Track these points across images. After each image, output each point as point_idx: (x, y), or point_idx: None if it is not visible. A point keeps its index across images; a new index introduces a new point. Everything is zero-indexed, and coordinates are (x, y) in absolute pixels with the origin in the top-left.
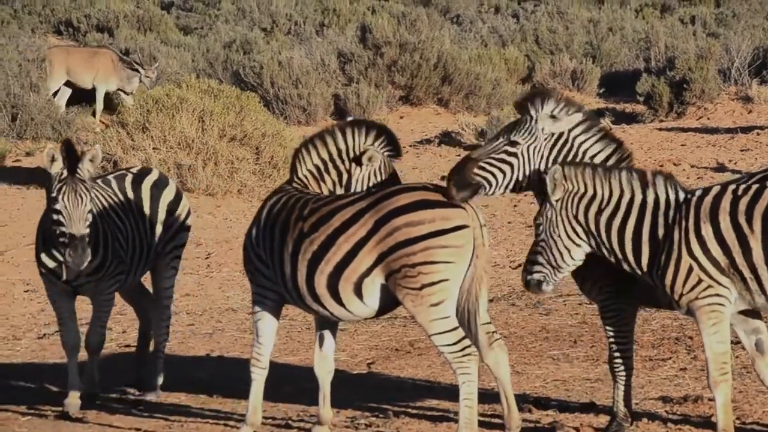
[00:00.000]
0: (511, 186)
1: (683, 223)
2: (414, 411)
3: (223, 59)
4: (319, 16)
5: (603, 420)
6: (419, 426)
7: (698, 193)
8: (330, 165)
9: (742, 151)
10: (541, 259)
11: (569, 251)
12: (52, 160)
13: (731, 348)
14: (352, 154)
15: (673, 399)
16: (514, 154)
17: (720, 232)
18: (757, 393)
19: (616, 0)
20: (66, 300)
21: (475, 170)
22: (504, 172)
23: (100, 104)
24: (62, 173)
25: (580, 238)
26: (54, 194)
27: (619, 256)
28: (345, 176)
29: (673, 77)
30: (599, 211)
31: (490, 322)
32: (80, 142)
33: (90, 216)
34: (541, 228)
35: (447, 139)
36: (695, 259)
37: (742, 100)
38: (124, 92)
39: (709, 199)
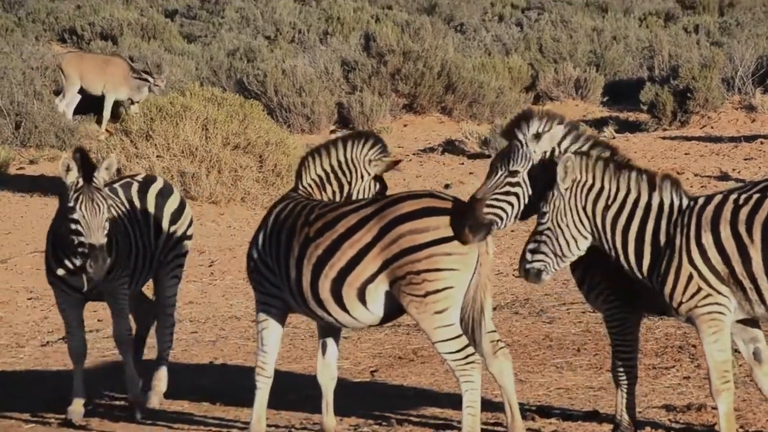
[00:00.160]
0: (520, 214)
1: (685, 230)
2: (417, 419)
3: (226, 67)
4: (323, 25)
5: (606, 428)
6: None
7: (700, 201)
8: (332, 176)
9: (745, 160)
10: (544, 248)
11: (576, 241)
12: (68, 169)
13: (734, 357)
14: (352, 166)
15: (677, 407)
16: (517, 184)
17: (720, 241)
18: (760, 401)
19: (619, 9)
20: (75, 308)
21: (485, 210)
22: (512, 204)
23: (107, 113)
24: (78, 182)
25: (587, 230)
26: (71, 204)
27: (621, 255)
28: (346, 187)
29: (676, 86)
30: (606, 207)
31: (494, 331)
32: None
33: (107, 224)
34: (546, 217)
35: (450, 147)
36: (695, 267)
37: (745, 109)
38: (133, 101)
39: (710, 207)
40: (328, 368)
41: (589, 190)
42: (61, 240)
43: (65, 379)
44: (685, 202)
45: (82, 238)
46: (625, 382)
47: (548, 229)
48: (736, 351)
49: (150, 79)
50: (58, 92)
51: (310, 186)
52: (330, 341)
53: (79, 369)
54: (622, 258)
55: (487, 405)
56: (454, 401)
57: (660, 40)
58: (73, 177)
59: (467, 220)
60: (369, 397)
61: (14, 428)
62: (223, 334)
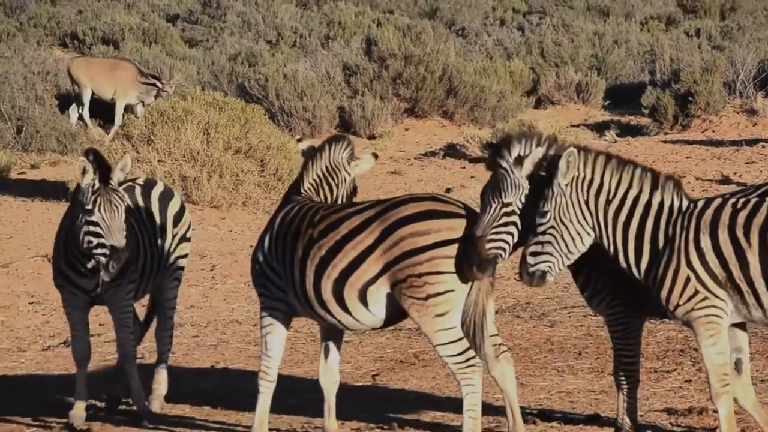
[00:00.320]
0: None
1: (684, 232)
2: (418, 423)
3: (228, 72)
4: (325, 29)
5: None
6: None
7: (700, 204)
8: (323, 180)
9: (747, 163)
10: (549, 248)
11: (581, 237)
12: (84, 171)
13: None
14: (337, 169)
15: (678, 411)
16: (512, 213)
17: (718, 244)
18: (762, 405)
19: (621, 13)
20: (82, 311)
21: (488, 246)
22: (512, 233)
23: (119, 118)
24: (94, 184)
25: (590, 226)
26: (89, 206)
27: (621, 253)
28: (335, 190)
29: (678, 90)
30: (608, 202)
31: (497, 334)
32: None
33: (125, 225)
34: (548, 215)
35: (452, 151)
36: (693, 270)
37: (747, 112)
38: (144, 104)
39: (710, 211)
40: (330, 372)
41: (590, 184)
42: (73, 242)
43: (66, 383)
44: (685, 204)
45: (102, 240)
46: (627, 385)
47: (552, 227)
48: None
49: (158, 84)
50: (60, 97)
51: (309, 191)
52: (332, 345)
53: (82, 373)
54: (621, 256)
55: (489, 409)
56: (456, 405)
57: (661, 44)
58: (89, 179)
59: (473, 259)
60: (370, 400)
61: None
62: (224, 338)
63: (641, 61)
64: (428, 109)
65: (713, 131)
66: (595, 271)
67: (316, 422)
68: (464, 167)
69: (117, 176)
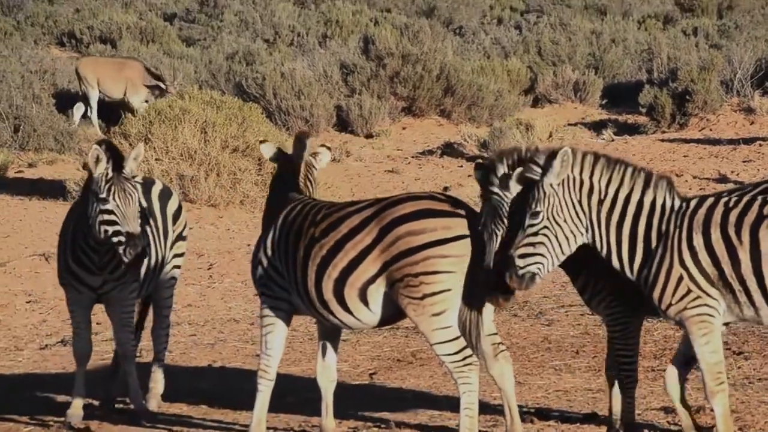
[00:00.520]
0: None
1: (676, 231)
2: (416, 421)
3: (225, 70)
4: (322, 28)
5: (605, 430)
6: None
7: (693, 203)
8: (306, 178)
9: (744, 162)
10: (541, 248)
11: (574, 237)
12: (97, 160)
13: (733, 359)
14: (309, 165)
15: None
16: None
17: (711, 243)
18: (759, 403)
19: (618, 11)
20: (85, 309)
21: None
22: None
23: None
24: (108, 173)
25: (583, 226)
26: (104, 195)
27: (614, 253)
28: (313, 185)
29: (675, 88)
30: (600, 201)
31: (496, 333)
32: (83, 153)
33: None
34: (540, 216)
35: (449, 150)
36: (686, 269)
37: (744, 111)
38: (146, 102)
39: (702, 210)
40: (327, 371)
41: (581, 186)
42: (83, 235)
43: (64, 381)
44: (677, 203)
45: (117, 227)
46: (626, 385)
47: (545, 227)
48: (735, 353)
49: (162, 85)
50: (57, 96)
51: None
52: (329, 344)
53: (81, 370)
54: (614, 256)
55: (486, 407)
56: (453, 404)
57: (659, 43)
58: (102, 168)
59: (488, 289)
60: (368, 399)
61: (13, 431)
62: (221, 337)
63: (638, 59)
64: (425, 108)
65: (710, 130)
66: (593, 273)
67: (314, 421)
68: (461, 166)
69: (130, 165)
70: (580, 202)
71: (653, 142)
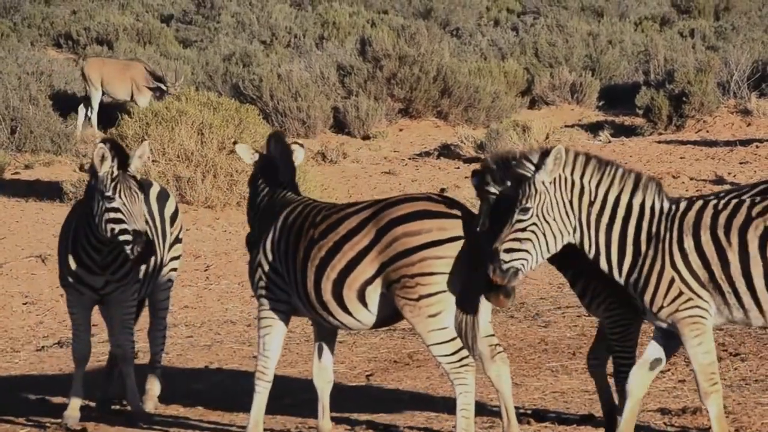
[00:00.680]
0: None
1: (667, 234)
2: (412, 423)
3: (222, 72)
4: (319, 29)
5: None
6: None
7: (682, 206)
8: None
9: (741, 163)
10: (528, 245)
11: (561, 236)
12: (103, 158)
13: (730, 360)
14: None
15: (672, 411)
16: None
17: (701, 245)
18: (755, 405)
19: (615, 13)
20: (86, 310)
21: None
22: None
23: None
24: (113, 171)
25: (572, 226)
26: (110, 193)
27: (603, 255)
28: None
29: (672, 90)
30: (590, 203)
31: (493, 335)
32: (80, 155)
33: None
34: (530, 212)
35: (446, 151)
36: (678, 271)
37: (741, 113)
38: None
39: (692, 212)
40: (324, 372)
41: (573, 185)
42: (84, 235)
43: (61, 383)
44: (666, 205)
45: (124, 225)
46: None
47: (533, 224)
48: (732, 355)
49: (163, 87)
50: (54, 97)
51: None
52: (326, 345)
53: (79, 372)
54: (603, 258)
55: (483, 409)
56: (449, 405)
57: (655, 45)
58: (107, 166)
59: (489, 287)
60: (364, 400)
61: None
62: (218, 338)
63: (635, 61)
64: (422, 110)
65: (707, 131)
66: (592, 276)
67: (310, 422)
68: (458, 167)
69: (135, 163)
70: (570, 202)
71: (650, 144)
